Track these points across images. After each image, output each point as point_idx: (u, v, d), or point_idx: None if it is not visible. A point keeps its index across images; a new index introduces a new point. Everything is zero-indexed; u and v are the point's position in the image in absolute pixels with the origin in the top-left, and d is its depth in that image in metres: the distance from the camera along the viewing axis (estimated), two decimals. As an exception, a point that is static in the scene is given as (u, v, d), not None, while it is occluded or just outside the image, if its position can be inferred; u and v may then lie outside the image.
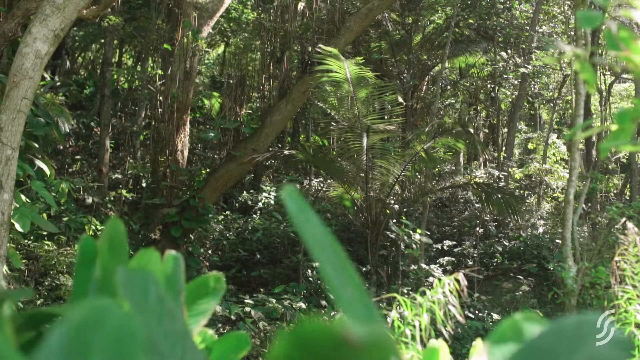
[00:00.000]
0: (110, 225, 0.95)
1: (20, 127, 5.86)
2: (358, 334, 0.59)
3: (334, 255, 0.71)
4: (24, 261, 9.46)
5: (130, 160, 16.28)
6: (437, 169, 15.99)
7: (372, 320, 0.69)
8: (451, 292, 4.57)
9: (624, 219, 6.83)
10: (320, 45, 11.11)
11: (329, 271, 0.69)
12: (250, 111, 14.48)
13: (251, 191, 16.54)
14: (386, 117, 12.06)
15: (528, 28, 17.39)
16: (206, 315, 1.08)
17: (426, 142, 10.79)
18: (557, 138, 19.76)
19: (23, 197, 6.75)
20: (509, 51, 17.26)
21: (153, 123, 18.10)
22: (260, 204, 15.70)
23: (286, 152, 11.53)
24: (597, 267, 7.58)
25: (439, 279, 4.67)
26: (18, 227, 6.18)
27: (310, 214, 0.72)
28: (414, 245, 11.17)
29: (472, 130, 10.57)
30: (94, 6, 7.40)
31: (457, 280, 4.60)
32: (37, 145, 7.56)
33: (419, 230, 11.55)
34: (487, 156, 18.09)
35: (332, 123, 12.34)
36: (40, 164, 7.46)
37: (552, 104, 20.25)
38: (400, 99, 12.42)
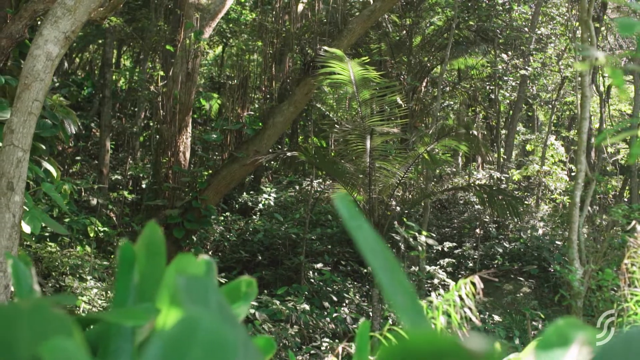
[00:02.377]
0: (147, 230, 0.96)
1: (32, 129, 5.85)
2: (480, 345, 0.60)
3: (385, 261, 0.72)
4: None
5: (130, 162, 16.25)
6: (438, 171, 16.03)
7: (424, 324, 0.71)
8: (467, 295, 4.58)
9: (634, 222, 6.85)
10: (324, 47, 11.12)
11: (382, 277, 0.70)
12: (252, 112, 14.47)
13: (251, 192, 16.53)
14: (385, 119, 12.05)
15: (527, 30, 17.44)
16: (239, 319, 1.09)
17: (430, 144, 10.80)
18: (555, 139, 19.80)
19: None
20: (509, 53, 17.30)
21: (152, 124, 18.10)
22: (260, 205, 15.70)
23: (289, 153, 11.52)
24: (604, 270, 7.61)
25: (456, 282, 4.68)
26: (25, 228, 6.16)
27: (361, 220, 0.73)
28: (419, 247, 11.18)
29: (475, 133, 10.60)
30: (101, 8, 7.39)
31: (473, 283, 4.61)
32: (44, 147, 7.55)
33: (424, 233, 11.56)
34: (490, 158, 18.12)
35: (336, 125, 12.34)
36: (47, 165, 7.46)
37: (550, 106, 20.29)
38: (400, 101, 12.43)
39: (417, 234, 11.30)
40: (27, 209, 6.21)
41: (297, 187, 17.12)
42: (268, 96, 15.17)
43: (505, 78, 17.33)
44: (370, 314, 11.51)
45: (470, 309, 4.57)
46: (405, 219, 12.97)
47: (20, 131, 5.77)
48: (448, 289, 11.63)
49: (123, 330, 0.88)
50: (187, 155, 12.70)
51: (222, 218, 14.92)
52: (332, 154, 14.54)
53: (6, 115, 7.15)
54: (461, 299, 4.58)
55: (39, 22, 8.05)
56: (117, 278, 0.94)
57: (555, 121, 23.13)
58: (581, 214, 8.91)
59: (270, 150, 13.30)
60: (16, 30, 7.47)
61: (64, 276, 10.04)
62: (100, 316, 0.89)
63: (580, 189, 8.63)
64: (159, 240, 0.96)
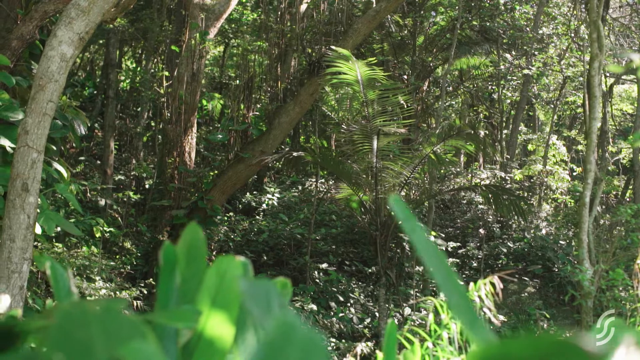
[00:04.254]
0: (188, 232, 0.97)
1: (46, 130, 5.85)
2: (593, 345, 0.61)
3: (440, 262, 0.74)
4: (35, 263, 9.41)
5: (134, 162, 16.24)
6: (442, 171, 16.03)
7: (478, 324, 0.72)
8: (486, 295, 4.59)
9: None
10: (332, 46, 11.13)
11: (438, 278, 0.72)
12: (258, 113, 14.46)
13: (254, 192, 16.51)
14: (391, 119, 12.05)
15: (528, 30, 17.46)
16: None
17: (436, 144, 10.81)
18: (557, 139, 19.82)
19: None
20: (513, 53, 17.33)
21: (153, 124, 18.08)
22: (264, 205, 15.68)
23: (295, 153, 11.53)
24: (615, 270, 7.62)
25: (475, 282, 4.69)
26: (37, 229, 6.16)
27: (415, 222, 0.75)
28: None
29: (482, 133, 10.61)
30: (112, 8, 7.39)
31: (493, 284, 4.63)
32: (54, 148, 7.55)
33: (433, 233, 11.57)
34: (497, 157, 18.12)
35: (342, 126, 12.34)
36: (57, 166, 7.45)
37: (552, 106, 20.32)
38: (402, 101, 12.44)
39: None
40: (39, 210, 6.21)
41: (300, 187, 17.12)
42: (274, 96, 15.15)
43: (509, 77, 17.36)
44: (377, 314, 11.53)
45: (489, 309, 4.59)
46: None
47: (35, 132, 5.76)
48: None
49: (167, 331, 0.89)
50: (193, 155, 12.70)
51: (226, 218, 14.91)
52: (334, 154, 14.54)
53: (17, 116, 7.16)
54: (480, 299, 4.59)
55: (49, 23, 8.06)
56: (160, 280, 0.96)
57: (555, 121, 23.16)
58: (590, 213, 8.92)
59: (275, 151, 13.31)
60: (27, 31, 7.47)
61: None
62: (149, 317, 0.91)
63: (590, 189, 8.64)
64: (200, 242, 0.97)
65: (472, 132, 10.72)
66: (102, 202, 12.86)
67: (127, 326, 0.69)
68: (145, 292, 10.97)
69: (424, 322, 10.35)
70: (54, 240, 10.79)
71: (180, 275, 0.96)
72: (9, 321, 0.89)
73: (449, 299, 0.72)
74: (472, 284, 4.74)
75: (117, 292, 9.91)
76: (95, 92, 17.85)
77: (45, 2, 7.50)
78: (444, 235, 15.02)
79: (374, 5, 13.42)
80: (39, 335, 0.88)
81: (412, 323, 10.24)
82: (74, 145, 15.93)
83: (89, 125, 16.64)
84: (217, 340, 0.88)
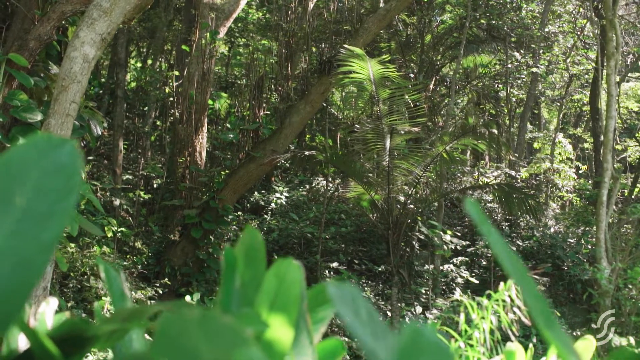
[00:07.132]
0: (246, 235, 0.97)
1: (69, 131, 5.85)
2: None
3: (516, 265, 0.75)
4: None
5: (143, 161, 16.23)
6: (452, 169, 16.04)
7: (555, 324, 0.73)
8: (517, 296, 4.60)
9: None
10: (345, 45, 11.13)
11: (516, 280, 0.74)
12: (268, 112, 14.47)
13: (262, 191, 16.50)
14: (403, 118, 12.04)
15: (535, 28, 17.47)
16: (325, 322, 1.09)
17: (449, 143, 10.80)
18: (563, 137, 19.81)
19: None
20: (522, 51, 17.33)
21: (159, 124, 18.06)
22: (272, 204, 15.68)
23: (307, 152, 11.51)
24: (634, 268, 7.62)
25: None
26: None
27: (490, 225, 0.76)
28: (444, 247, 11.19)
29: (494, 131, 10.61)
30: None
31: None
32: (72, 148, 7.54)
33: (448, 232, 11.56)
34: (509, 156, 18.14)
35: (356, 125, 12.34)
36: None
37: (558, 104, 20.32)
38: (409, 100, 12.43)
39: (441, 233, 11.30)
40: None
41: (307, 186, 17.12)
42: (285, 95, 15.14)
43: (519, 75, 17.37)
44: (389, 313, 11.53)
45: (519, 308, 4.59)
46: (419, 218, 12.98)
47: (58, 133, 5.76)
48: (468, 288, 11.60)
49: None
50: (203, 155, 12.70)
51: (234, 217, 14.90)
52: (340, 152, 14.53)
53: (36, 117, 7.16)
54: (511, 299, 4.60)
55: (66, 24, 8.05)
56: (221, 283, 0.96)
57: (560, 118, 23.15)
58: (607, 212, 8.92)
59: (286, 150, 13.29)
60: (44, 32, 7.46)
61: (84, 277, 10.03)
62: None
63: (607, 187, 8.63)
64: (259, 245, 0.97)
65: (486, 130, 10.71)
66: (117, 202, 12.84)
67: (228, 332, 0.70)
68: (161, 292, 10.97)
69: (435, 320, 10.36)
70: (66, 240, 10.79)
71: (240, 278, 0.97)
72: (81, 325, 0.89)
73: (526, 299, 0.74)
74: (502, 283, 4.75)
75: (133, 292, 9.91)
76: (101, 91, 17.82)
77: (63, 3, 7.50)
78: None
79: (382, 4, 13.42)
80: (108, 340, 0.88)
81: (426, 322, 10.24)
82: (84, 145, 15.92)
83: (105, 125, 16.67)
84: (275, 344, 0.88)
